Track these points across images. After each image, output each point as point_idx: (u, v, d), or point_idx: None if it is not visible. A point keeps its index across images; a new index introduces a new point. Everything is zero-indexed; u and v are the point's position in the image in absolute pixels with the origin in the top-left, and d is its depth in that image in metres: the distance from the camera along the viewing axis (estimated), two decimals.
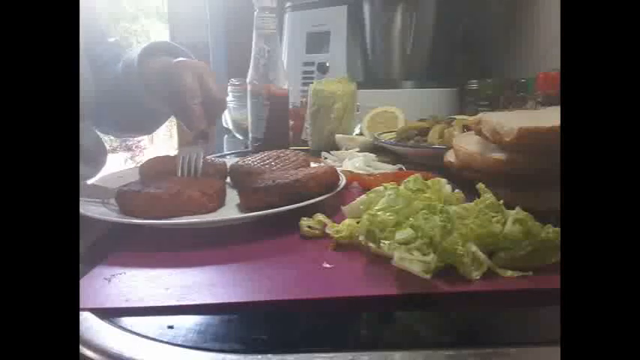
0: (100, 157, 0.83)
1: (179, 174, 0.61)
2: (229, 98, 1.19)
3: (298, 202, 0.48)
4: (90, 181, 0.60)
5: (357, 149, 0.86)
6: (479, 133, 0.54)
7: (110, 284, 0.36)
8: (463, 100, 1.17)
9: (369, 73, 1.32)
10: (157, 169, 0.61)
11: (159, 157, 0.66)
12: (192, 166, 0.61)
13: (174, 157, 0.64)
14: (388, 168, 0.75)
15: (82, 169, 0.49)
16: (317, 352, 0.27)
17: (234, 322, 0.31)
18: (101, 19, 0.84)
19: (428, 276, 0.32)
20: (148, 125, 0.87)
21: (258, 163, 0.62)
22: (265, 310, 0.32)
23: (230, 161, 0.67)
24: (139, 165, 0.66)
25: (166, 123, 0.92)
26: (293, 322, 0.31)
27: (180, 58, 0.69)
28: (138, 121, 0.84)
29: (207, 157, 0.68)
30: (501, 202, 0.39)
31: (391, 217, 0.39)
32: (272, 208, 0.47)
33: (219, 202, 0.53)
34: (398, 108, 0.97)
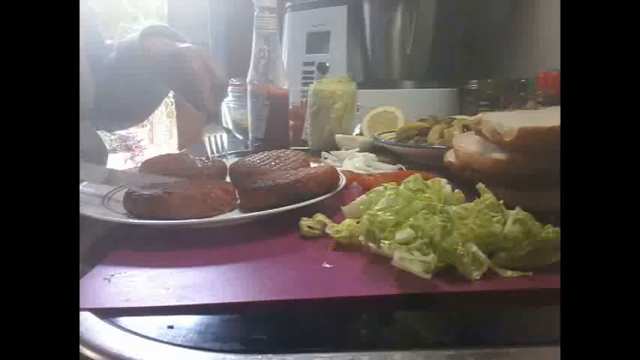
0: (100, 157, 0.83)
1: (209, 153, 0.68)
2: (229, 98, 1.19)
3: (298, 202, 0.48)
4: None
5: (357, 149, 0.86)
6: (479, 133, 0.54)
7: (110, 284, 0.36)
8: (463, 100, 1.17)
9: (369, 73, 1.31)
10: (157, 168, 0.61)
11: (160, 155, 0.66)
12: (220, 144, 0.68)
13: (175, 155, 0.64)
14: (388, 168, 0.75)
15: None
16: (317, 352, 0.27)
17: (234, 322, 0.31)
18: (99, 21, 0.85)
19: (428, 276, 0.32)
20: (141, 110, 0.90)
21: (258, 163, 0.62)
22: (265, 310, 0.32)
23: (230, 161, 0.67)
24: (139, 165, 0.66)
25: (166, 123, 0.94)
26: (293, 322, 0.31)
27: (185, 44, 0.73)
28: (131, 107, 0.86)
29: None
30: (501, 202, 0.39)
31: (391, 217, 0.39)
32: (272, 208, 0.47)
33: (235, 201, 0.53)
34: (398, 108, 0.97)
